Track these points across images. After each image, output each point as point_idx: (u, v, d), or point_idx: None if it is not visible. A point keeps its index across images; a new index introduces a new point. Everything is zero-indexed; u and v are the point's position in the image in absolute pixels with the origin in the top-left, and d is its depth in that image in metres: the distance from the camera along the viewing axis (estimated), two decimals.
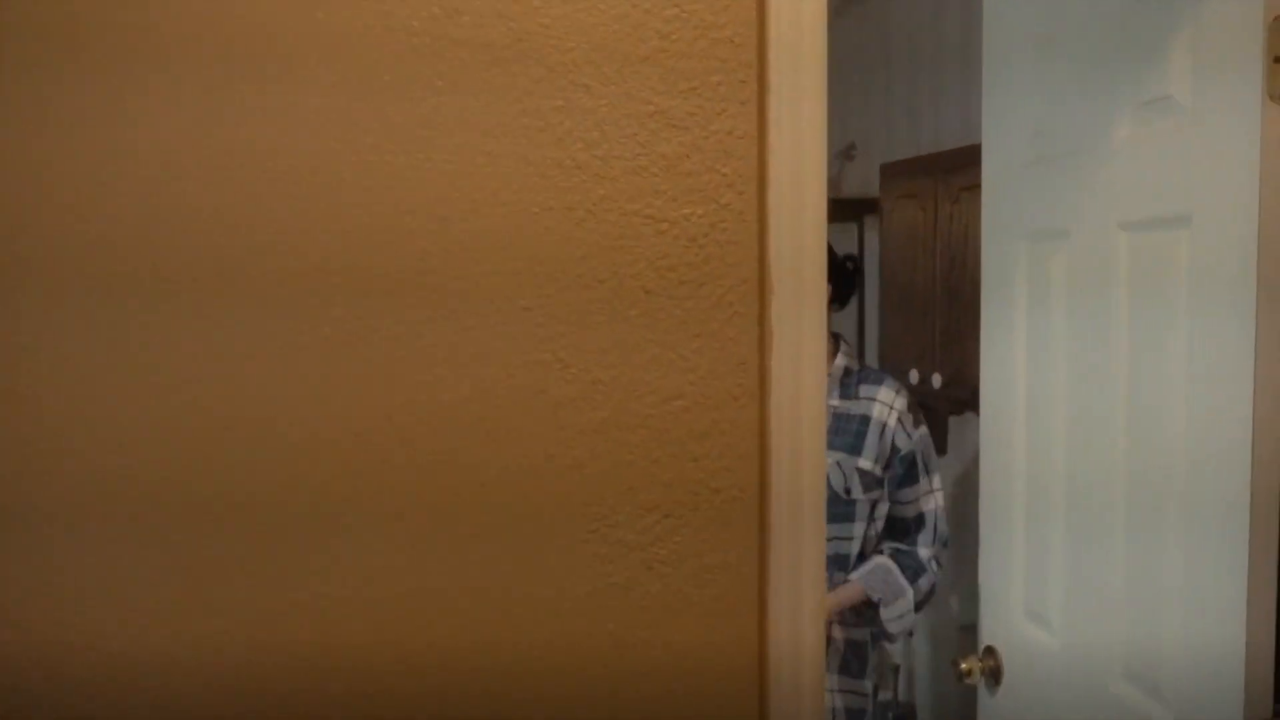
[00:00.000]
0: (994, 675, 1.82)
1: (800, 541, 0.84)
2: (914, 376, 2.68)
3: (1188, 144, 1.32)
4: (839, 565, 1.93)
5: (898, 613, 1.91)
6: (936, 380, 2.58)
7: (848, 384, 1.94)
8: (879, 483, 1.92)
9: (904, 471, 1.93)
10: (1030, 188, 1.70)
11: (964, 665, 1.84)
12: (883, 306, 2.86)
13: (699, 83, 0.81)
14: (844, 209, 3.09)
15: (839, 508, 1.90)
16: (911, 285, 2.68)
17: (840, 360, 1.97)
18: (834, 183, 3.45)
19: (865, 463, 1.90)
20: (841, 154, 3.44)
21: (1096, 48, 1.50)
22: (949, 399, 2.57)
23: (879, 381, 1.96)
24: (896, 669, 3.17)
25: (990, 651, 1.83)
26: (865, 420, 1.91)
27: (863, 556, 1.94)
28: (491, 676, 0.78)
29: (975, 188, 2.25)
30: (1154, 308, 1.39)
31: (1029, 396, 1.73)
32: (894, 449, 1.92)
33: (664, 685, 0.81)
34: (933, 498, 1.97)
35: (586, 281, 0.79)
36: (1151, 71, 1.38)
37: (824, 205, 0.86)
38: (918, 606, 1.93)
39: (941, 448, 2.93)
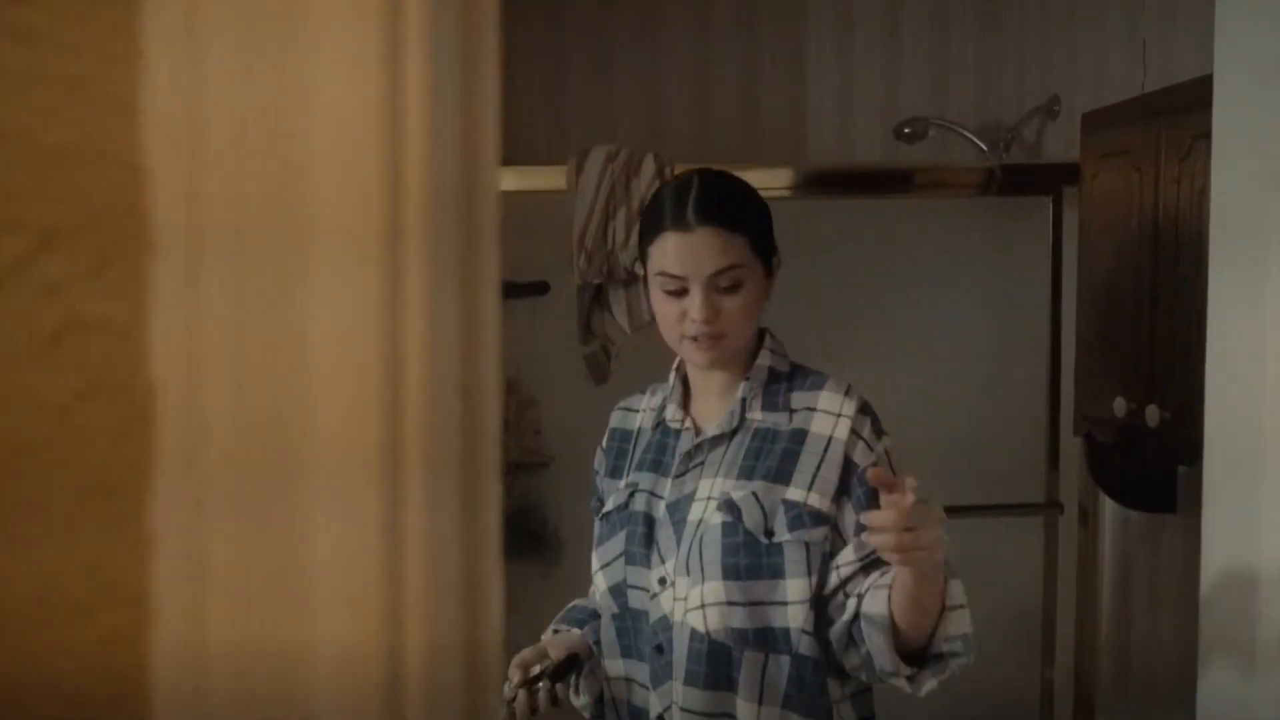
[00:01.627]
0: None
1: None
2: (1119, 408, 1.91)
3: None
4: (760, 642, 1.27)
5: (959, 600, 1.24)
6: (1153, 415, 1.81)
7: (774, 392, 1.38)
8: (822, 519, 1.29)
9: (869, 492, 1.30)
10: None
11: None
12: (1080, 310, 2.10)
13: None
14: (1034, 179, 2.33)
15: (753, 558, 1.27)
16: (1118, 279, 1.92)
17: (764, 360, 1.39)
18: (1031, 148, 2.68)
19: (796, 492, 1.29)
20: (1042, 110, 2.66)
21: None
22: (1174, 441, 1.79)
23: (817, 385, 1.38)
24: None
25: None
26: (799, 436, 1.34)
27: (817, 634, 1.28)
28: None
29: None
30: None
31: None
32: (848, 466, 1.31)
33: None
34: None
35: None
36: None
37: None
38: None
39: (1166, 506, 2.12)
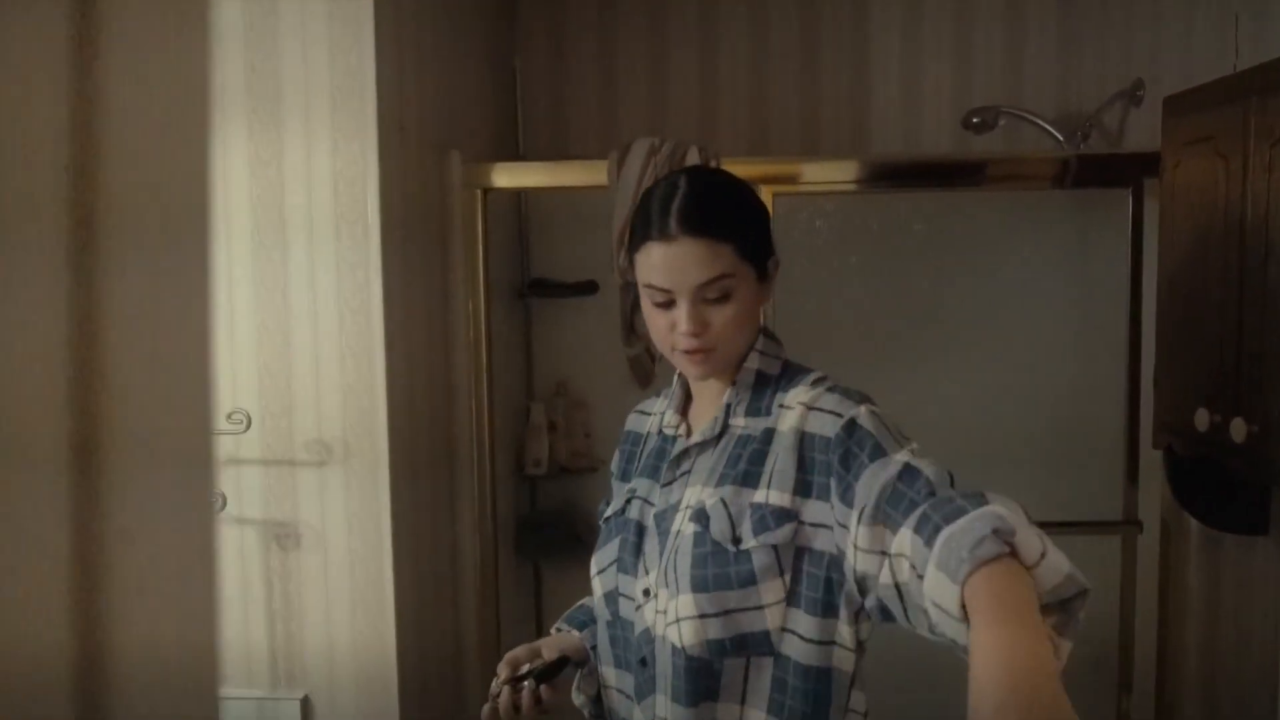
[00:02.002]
0: None
1: None
2: (1202, 420, 1.73)
3: None
4: (740, 648, 1.18)
5: (1049, 558, 0.96)
6: (1239, 429, 1.64)
7: (760, 395, 1.27)
8: (786, 515, 1.18)
9: (844, 453, 1.14)
10: None
11: None
12: (1160, 313, 1.92)
13: None
14: (1112, 170, 2.14)
15: (721, 567, 1.17)
16: (1202, 278, 1.74)
17: (752, 363, 1.28)
18: (1113, 136, 2.49)
19: (760, 493, 1.19)
20: (1125, 96, 2.47)
21: None
22: (1262, 458, 1.62)
23: (797, 383, 1.26)
24: None
25: None
26: (769, 437, 1.23)
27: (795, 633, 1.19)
28: None
29: None
30: None
31: None
32: (816, 444, 1.17)
33: None
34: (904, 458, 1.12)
35: None
36: None
37: None
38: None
39: (1257, 528, 1.94)
